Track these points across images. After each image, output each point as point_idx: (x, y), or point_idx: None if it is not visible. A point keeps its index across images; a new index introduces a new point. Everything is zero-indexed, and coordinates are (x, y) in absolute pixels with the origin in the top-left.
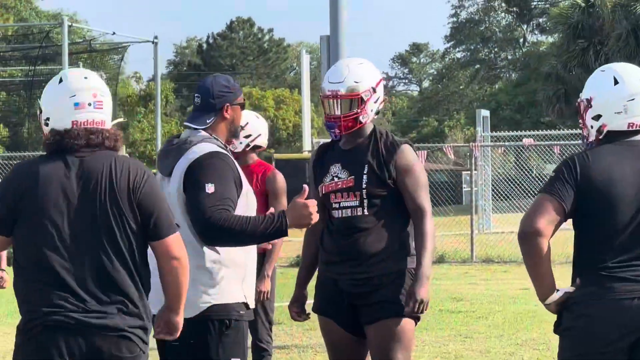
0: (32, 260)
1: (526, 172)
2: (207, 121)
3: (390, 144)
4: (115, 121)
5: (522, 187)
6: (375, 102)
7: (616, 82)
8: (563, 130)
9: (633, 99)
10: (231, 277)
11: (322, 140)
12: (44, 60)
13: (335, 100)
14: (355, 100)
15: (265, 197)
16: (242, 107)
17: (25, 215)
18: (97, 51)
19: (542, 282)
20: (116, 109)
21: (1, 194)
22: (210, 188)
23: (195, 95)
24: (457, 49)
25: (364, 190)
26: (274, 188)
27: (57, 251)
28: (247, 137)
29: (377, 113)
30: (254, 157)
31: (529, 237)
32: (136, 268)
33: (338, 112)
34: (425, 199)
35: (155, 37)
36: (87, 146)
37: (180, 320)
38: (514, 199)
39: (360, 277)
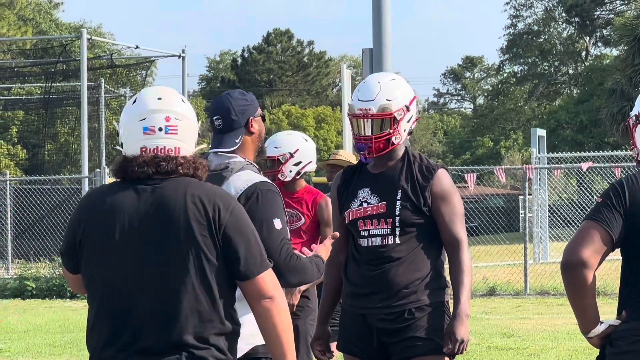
0: (96, 298)
1: (589, 197)
2: (236, 141)
3: (426, 168)
4: (198, 148)
5: (585, 213)
6: (408, 121)
7: None
8: (629, 151)
9: None
10: None
11: None
12: (64, 77)
13: (365, 120)
14: (387, 120)
15: (316, 224)
16: (263, 118)
17: (90, 247)
18: (119, 66)
19: (586, 315)
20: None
21: (68, 226)
22: (278, 224)
23: (215, 118)
24: (514, 63)
25: (397, 218)
26: (326, 216)
27: (120, 290)
28: (296, 164)
29: (410, 133)
30: (302, 184)
31: (572, 268)
32: (214, 313)
33: (369, 133)
34: (461, 229)
35: (183, 51)
36: (158, 173)
37: None
38: (577, 225)
39: (391, 312)
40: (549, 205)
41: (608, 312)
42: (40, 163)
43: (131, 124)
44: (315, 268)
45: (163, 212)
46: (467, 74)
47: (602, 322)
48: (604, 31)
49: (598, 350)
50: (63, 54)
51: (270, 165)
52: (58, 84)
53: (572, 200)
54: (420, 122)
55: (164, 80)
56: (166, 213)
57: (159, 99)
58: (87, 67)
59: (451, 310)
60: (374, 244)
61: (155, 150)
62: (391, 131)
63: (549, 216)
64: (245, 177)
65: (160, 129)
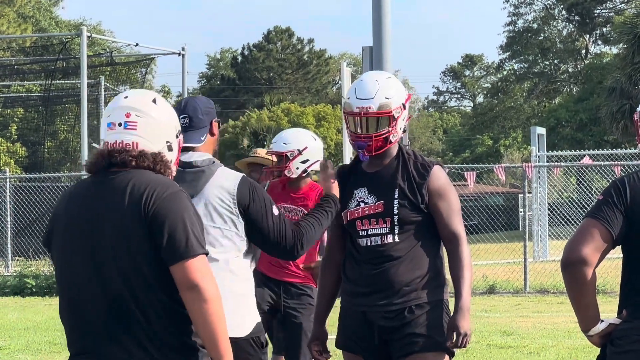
0: (60, 289)
1: (589, 195)
2: (202, 138)
3: (421, 166)
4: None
5: (585, 211)
6: (403, 119)
7: None
8: (629, 149)
9: None
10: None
11: None
12: (64, 74)
13: (364, 118)
14: (386, 118)
15: None
16: (219, 124)
17: (55, 239)
18: (118, 64)
19: (586, 313)
20: None
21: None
22: (275, 210)
23: (182, 117)
24: (514, 61)
25: (396, 217)
26: None
27: (73, 283)
28: (304, 162)
29: (405, 131)
30: (307, 181)
31: (573, 266)
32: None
33: (368, 131)
34: (459, 224)
35: (183, 49)
36: (112, 165)
37: None
38: (576, 224)
39: (392, 310)
40: (549, 204)
41: (608, 310)
42: (39, 161)
43: (102, 121)
44: (318, 222)
45: (105, 203)
46: (467, 72)
47: (602, 321)
48: (604, 29)
49: (598, 349)
50: (63, 51)
51: (277, 160)
52: (58, 81)
53: (572, 198)
54: (420, 120)
55: (163, 78)
56: (107, 203)
57: (126, 97)
58: (87, 65)
59: (450, 307)
60: (373, 243)
61: (114, 144)
62: (390, 129)
63: (549, 214)
64: (231, 173)
65: (120, 124)
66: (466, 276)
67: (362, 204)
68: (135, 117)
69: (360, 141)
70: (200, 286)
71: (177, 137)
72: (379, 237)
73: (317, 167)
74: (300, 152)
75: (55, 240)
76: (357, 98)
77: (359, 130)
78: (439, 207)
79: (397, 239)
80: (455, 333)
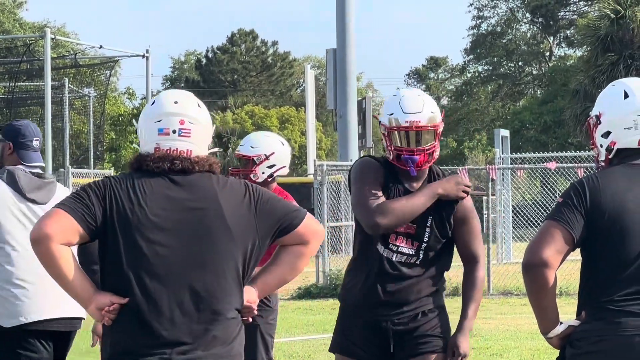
0: (120, 286)
1: (553, 197)
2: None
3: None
4: (210, 151)
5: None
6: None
7: (626, 96)
8: (592, 152)
9: None
10: None
11: (326, 163)
12: (28, 76)
13: (414, 132)
14: (432, 132)
15: None
16: None
17: (117, 230)
18: (83, 66)
19: (546, 316)
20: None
21: (87, 192)
22: None
23: (35, 139)
24: (478, 63)
25: (425, 244)
26: None
27: (152, 278)
28: (270, 167)
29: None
30: (273, 186)
31: (534, 268)
32: None
33: (419, 145)
34: (480, 247)
35: (147, 51)
36: (171, 171)
37: None
38: (540, 226)
39: (406, 315)
40: (513, 206)
41: (570, 312)
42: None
43: (148, 124)
44: None
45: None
46: (432, 75)
47: (561, 323)
48: (568, 32)
49: (556, 351)
50: (27, 53)
51: (243, 164)
52: (22, 83)
53: (536, 200)
54: None
55: (128, 80)
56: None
57: (175, 102)
58: (51, 67)
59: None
60: (397, 259)
61: (168, 151)
62: (435, 143)
63: (513, 217)
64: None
65: (174, 131)
66: (477, 298)
67: None
68: (189, 124)
69: (412, 155)
70: None
71: (211, 136)
72: (405, 256)
73: (283, 172)
74: (267, 157)
75: (119, 233)
76: (405, 112)
77: (407, 145)
78: (463, 232)
79: (419, 262)
80: (455, 353)
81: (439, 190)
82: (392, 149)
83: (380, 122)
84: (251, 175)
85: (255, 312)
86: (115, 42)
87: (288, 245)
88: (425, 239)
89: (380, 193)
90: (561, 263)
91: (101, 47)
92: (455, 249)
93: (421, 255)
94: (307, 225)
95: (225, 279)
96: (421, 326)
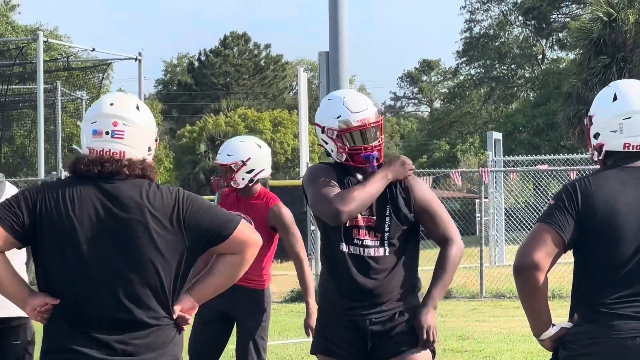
0: (51, 288)
1: (546, 200)
2: None
3: (404, 179)
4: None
5: None
6: None
7: (615, 99)
8: (585, 154)
9: (630, 117)
10: None
11: None
12: (21, 79)
13: (370, 129)
14: (379, 128)
15: (267, 230)
16: None
17: (46, 236)
18: (75, 69)
19: (538, 318)
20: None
21: (18, 199)
22: None
23: None
24: (471, 66)
25: (387, 233)
26: (282, 224)
27: (78, 285)
28: (249, 172)
29: None
30: (257, 189)
31: (525, 271)
32: None
33: (374, 142)
34: (449, 227)
35: (139, 54)
36: (102, 175)
37: None
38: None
39: (383, 315)
40: (505, 209)
41: (563, 314)
42: None
43: (85, 125)
44: None
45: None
46: (424, 78)
47: (554, 325)
48: (560, 35)
49: (550, 353)
50: (19, 56)
51: (223, 172)
52: (14, 86)
53: (529, 203)
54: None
55: (120, 83)
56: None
57: (111, 104)
58: (44, 70)
59: None
60: (365, 254)
61: (102, 152)
62: (382, 137)
63: (505, 219)
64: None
65: (107, 133)
66: (444, 279)
67: (358, 215)
68: (123, 125)
69: (373, 151)
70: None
71: (155, 140)
72: (372, 249)
73: (264, 175)
74: (244, 163)
75: (48, 239)
76: (353, 112)
77: (364, 142)
78: (426, 218)
79: (387, 253)
80: (421, 328)
81: (388, 174)
82: (347, 150)
83: (324, 127)
84: (231, 183)
85: (190, 322)
86: (108, 45)
87: (222, 255)
88: (387, 229)
89: (336, 186)
90: (553, 265)
91: (94, 50)
92: (427, 245)
93: (386, 246)
94: (239, 235)
95: (148, 289)
96: (398, 325)
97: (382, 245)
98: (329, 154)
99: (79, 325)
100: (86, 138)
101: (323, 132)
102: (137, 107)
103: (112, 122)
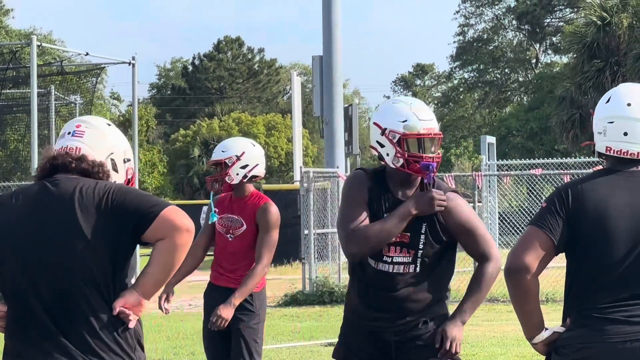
0: (2, 290)
1: (539, 204)
2: None
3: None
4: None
5: None
6: None
7: (608, 101)
8: (579, 158)
9: (612, 122)
10: None
11: (312, 170)
12: (14, 83)
13: (433, 139)
14: (439, 140)
15: (256, 230)
16: None
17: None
18: (69, 73)
19: (529, 321)
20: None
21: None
22: None
23: None
24: (464, 70)
25: (420, 251)
26: (264, 221)
27: (25, 283)
28: (243, 167)
29: None
30: (250, 188)
31: (515, 273)
32: None
33: (435, 152)
34: (486, 244)
35: (133, 58)
36: (55, 169)
37: None
38: None
39: (407, 325)
40: (499, 212)
41: (557, 318)
42: None
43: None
44: None
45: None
46: (418, 82)
47: (546, 329)
48: (554, 39)
49: (543, 357)
50: (13, 60)
51: (218, 169)
52: (8, 90)
53: (522, 207)
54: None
55: (114, 88)
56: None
57: (82, 117)
58: (37, 74)
59: None
60: (394, 270)
61: (60, 150)
62: (440, 153)
63: (499, 223)
64: None
65: (69, 133)
66: (477, 293)
67: None
68: (84, 127)
69: (431, 161)
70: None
71: (124, 162)
72: (402, 265)
73: (258, 171)
74: (238, 158)
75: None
76: (421, 119)
77: (427, 152)
78: (464, 236)
79: (418, 270)
80: (443, 337)
81: (412, 210)
82: (407, 156)
83: (385, 129)
84: (226, 178)
85: (131, 318)
86: (102, 49)
87: (156, 243)
88: (421, 246)
89: (361, 214)
90: (543, 268)
91: (87, 54)
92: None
93: (418, 263)
94: (165, 217)
95: (79, 284)
96: (422, 335)
97: (413, 262)
98: (381, 158)
99: (24, 326)
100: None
101: (383, 134)
102: (108, 124)
103: (75, 124)
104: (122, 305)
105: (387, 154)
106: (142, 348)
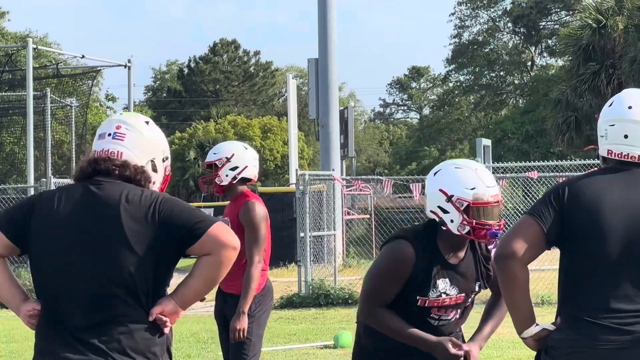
0: (39, 289)
1: None
2: None
3: (485, 259)
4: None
5: None
6: None
7: (610, 104)
8: (574, 160)
9: (613, 125)
10: None
11: (308, 173)
12: (10, 86)
13: (497, 207)
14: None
15: (242, 228)
16: None
17: (34, 241)
18: (65, 76)
19: (519, 312)
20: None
21: (17, 207)
22: None
23: None
24: (460, 73)
25: (466, 305)
26: (246, 219)
27: (53, 287)
28: (233, 169)
29: None
30: (241, 189)
31: (503, 260)
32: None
33: (498, 218)
34: None
35: (129, 61)
36: (96, 173)
37: None
38: None
39: None
40: None
41: (553, 320)
42: None
43: (96, 135)
44: None
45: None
46: (413, 84)
47: (537, 324)
48: (550, 41)
49: None
50: (8, 63)
51: (209, 171)
52: (4, 93)
53: (518, 209)
54: (366, 133)
55: (110, 90)
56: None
57: (121, 114)
58: (33, 77)
59: None
60: (440, 324)
61: (101, 152)
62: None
63: None
64: None
65: (109, 135)
66: (497, 319)
67: (444, 295)
68: (125, 129)
69: (499, 230)
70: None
71: (163, 161)
72: (448, 321)
73: (248, 173)
74: (228, 160)
75: (36, 240)
76: (487, 186)
77: (493, 219)
78: (493, 282)
79: (458, 316)
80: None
81: (427, 348)
82: (474, 224)
83: (451, 196)
84: (216, 180)
85: (168, 325)
86: (97, 52)
87: (200, 257)
88: (469, 303)
89: (391, 293)
90: (533, 256)
91: (83, 57)
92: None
93: (459, 312)
94: (212, 234)
95: (117, 290)
96: None
97: (460, 315)
98: (442, 224)
99: (58, 326)
100: (94, 145)
101: (448, 200)
102: (147, 122)
103: (115, 125)
104: (159, 313)
105: (452, 220)
106: (170, 355)
